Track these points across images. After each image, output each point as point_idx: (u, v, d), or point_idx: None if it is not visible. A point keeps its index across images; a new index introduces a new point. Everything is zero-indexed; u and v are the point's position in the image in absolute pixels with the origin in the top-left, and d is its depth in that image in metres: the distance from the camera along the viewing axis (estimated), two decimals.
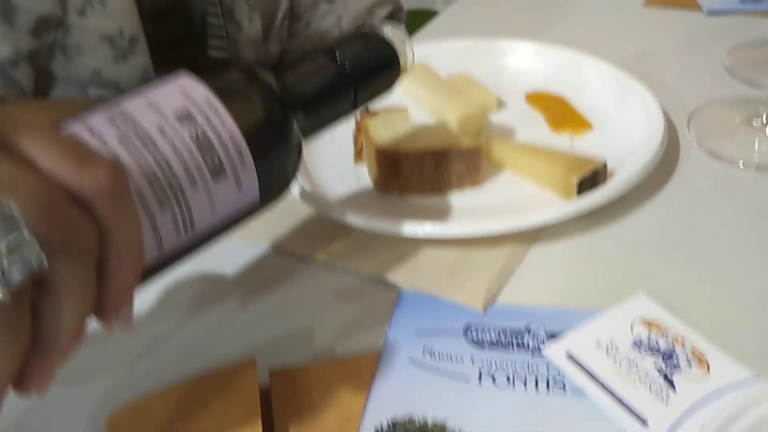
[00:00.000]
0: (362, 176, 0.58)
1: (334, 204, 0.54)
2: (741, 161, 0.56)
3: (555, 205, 0.51)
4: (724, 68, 0.70)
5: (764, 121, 0.58)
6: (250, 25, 0.79)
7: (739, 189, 0.54)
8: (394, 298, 0.47)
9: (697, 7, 0.81)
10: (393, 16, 0.92)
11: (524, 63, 0.69)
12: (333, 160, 0.60)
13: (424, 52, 0.71)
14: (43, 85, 0.69)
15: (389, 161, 0.55)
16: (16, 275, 0.24)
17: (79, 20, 0.68)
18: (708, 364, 0.39)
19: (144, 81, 0.71)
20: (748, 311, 0.44)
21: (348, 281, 0.49)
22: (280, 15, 0.85)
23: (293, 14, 0.89)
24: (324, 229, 0.53)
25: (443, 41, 0.73)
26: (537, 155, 0.56)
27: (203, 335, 0.46)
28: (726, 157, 0.57)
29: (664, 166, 0.55)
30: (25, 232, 0.24)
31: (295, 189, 0.54)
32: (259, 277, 0.50)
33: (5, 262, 0.24)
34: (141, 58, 0.70)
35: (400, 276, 0.48)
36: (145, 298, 0.48)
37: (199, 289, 0.49)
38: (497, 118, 0.64)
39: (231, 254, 0.51)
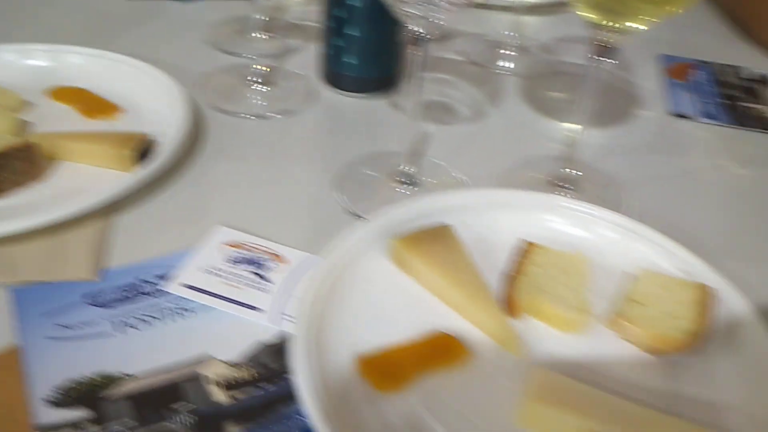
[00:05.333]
0: None
1: None
2: (249, 114, 0.71)
3: (121, 179, 0.58)
4: (207, 44, 0.84)
5: (255, 79, 0.74)
6: None
7: (256, 133, 0.69)
8: (6, 296, 0.49)
9: None
10: None
11: (32, 62, 0.72)
12: None
13: None
14: None
15: None
16: None
17: None
18: (283, 258, 0.53)
19: None
20: (285, 210, 0.59)
21: None
22: None
23: None
24: None
25: None
26: (87, 140, 0.61)
27: None
28: (236, 113, 0.71)
29: (195, 129, 0.67)
30: None
31: None
32: None
33: None
34: None
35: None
36: None
37: None
38: (28, 117, 0.66)
39: None
